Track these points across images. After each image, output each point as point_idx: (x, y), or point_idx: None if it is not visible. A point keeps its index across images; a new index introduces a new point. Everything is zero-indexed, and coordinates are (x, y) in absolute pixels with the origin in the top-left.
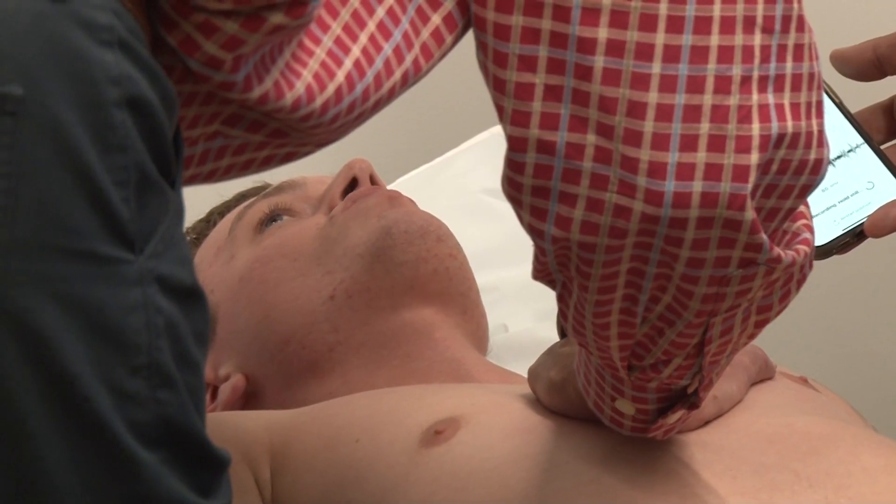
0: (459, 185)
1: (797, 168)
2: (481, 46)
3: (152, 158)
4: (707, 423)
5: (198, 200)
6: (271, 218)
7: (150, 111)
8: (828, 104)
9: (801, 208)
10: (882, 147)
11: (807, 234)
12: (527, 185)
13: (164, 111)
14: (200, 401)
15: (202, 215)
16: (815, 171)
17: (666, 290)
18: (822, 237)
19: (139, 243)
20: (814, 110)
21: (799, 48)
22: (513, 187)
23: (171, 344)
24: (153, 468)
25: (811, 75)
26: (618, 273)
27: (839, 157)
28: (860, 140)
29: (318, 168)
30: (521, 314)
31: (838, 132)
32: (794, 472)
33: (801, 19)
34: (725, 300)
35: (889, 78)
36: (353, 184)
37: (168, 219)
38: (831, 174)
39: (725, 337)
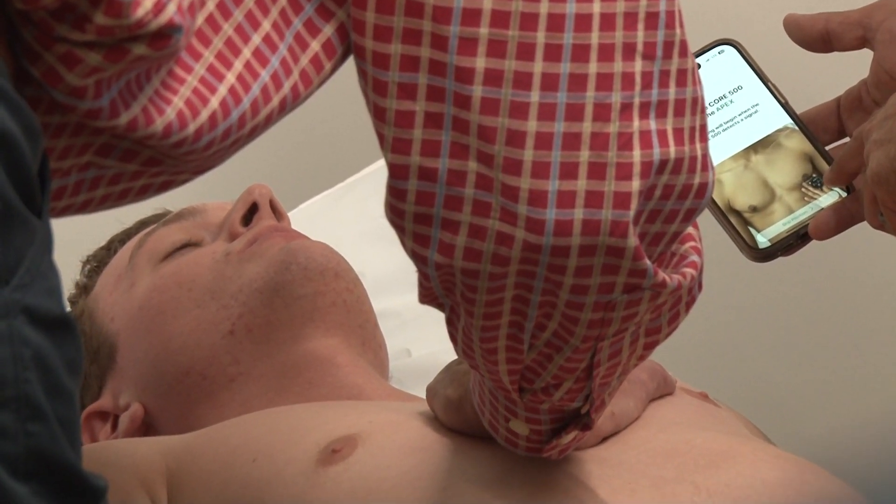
0: (360, 210)
1: (681, 193)
2: (361, 74)
3: (16, 190)
4: (605, 439)
5: (98, 228)
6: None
7: (12, 143)
8: (772, 101)
9: (690, 230)
10: (828, 147)
11: (694, 257)
12: (409, 212)
13: (27, 143)
14: (74, 431)
15: (102, 243)
16: (699, 195)
17: (551, 316)
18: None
19: (4, 275)
20: (697, 134)
21: (682, 73)
22: (395, 214)
23: (40, 375)
24: (25, 501)
25: (694, 100)
26: (502, 300)
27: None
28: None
29: (218, 194)
30: (423, 339)
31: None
32: (694, 484)
33: (683, 44)
34: (612, 325)
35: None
36: (252, 209)
37: (34, 250)
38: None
39: (614, 360)
